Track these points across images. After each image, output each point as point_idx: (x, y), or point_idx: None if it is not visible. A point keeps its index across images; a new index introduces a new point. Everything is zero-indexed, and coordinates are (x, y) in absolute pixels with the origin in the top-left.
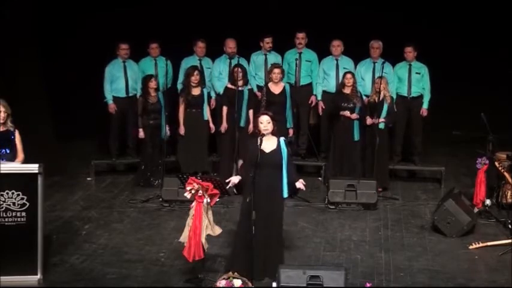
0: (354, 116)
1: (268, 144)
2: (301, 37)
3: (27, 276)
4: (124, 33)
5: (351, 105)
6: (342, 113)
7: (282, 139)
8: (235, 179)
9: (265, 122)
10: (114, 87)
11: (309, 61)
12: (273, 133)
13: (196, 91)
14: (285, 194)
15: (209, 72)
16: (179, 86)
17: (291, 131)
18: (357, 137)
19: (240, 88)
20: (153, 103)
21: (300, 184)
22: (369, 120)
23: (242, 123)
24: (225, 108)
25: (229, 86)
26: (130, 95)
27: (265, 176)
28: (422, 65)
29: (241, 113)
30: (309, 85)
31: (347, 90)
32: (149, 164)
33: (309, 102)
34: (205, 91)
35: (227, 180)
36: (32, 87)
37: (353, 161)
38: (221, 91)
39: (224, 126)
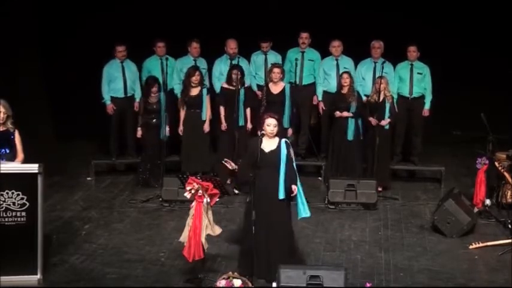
0: (346, 114)
1: (269, 144)
2: (304, 37)
3: (27, 276)
4: (124, 33)
5: (347, 104)
6: (335, 113)
7: (283, 141)
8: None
9: (272, 126)
10: (112, 87)
11: (312, 60)
12: (276, 135)
13: (195, 91)
14: (281, 196)
15: (204, 72)
16: (175, 86)
17: (289, 131)
18: (350, 136)
19: (232, 88)
20: (153, 103)
21: (294, 188)
22: (373, 121)
23: (241, 123)
24: (222, 109)
25: (225, 85)
26: (128, 95)
27: (264, 175)
28: (424, 65)
29: (239, 112)
30: (312, 85)
31: (344, 90)
32: (148, 164)
33: (312, 102)
34: (204, 91)
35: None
36: (32, 87)
37: (350, 160)
38: None
39: (224, 125)
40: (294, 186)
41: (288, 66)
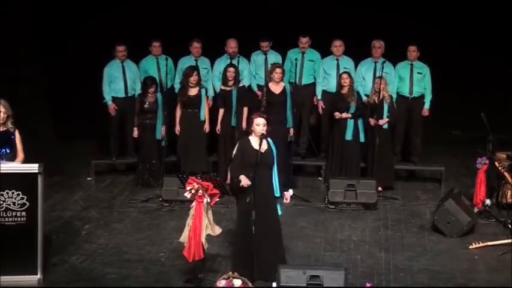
0: (345, 115)
1: (262, 144)
2: (304, 42)
3: (27, 276)
4: (124, 33)
5: (346, 104)
6: (335, 115)
7: (269, 139)
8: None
9: (262, 125)
10: (113, 87)
11: (312, 61)
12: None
13: (193, 91)
14: (277, 193)
15: (205, 72)
16: (176, 86)
17: (291, 131)
18: (348, 136)
19: (228, 88)
20: (150, 103)
21: (287, 195)
22: (372, 121)
23: (233, 123)
24: (220, 110)
25: (222, 87)
26: (129, 95)
27: (262, 175)
28: (424, 65)
29: (231, 112)
30: (312, 85)
31: (344, 90)
32: (146, 164)
33: (312, 102)
34: (203, 91)
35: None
36: (32, 87)
37: (349, 160)
38: None
39: (218, 128)
40: (287, 194)
41: (288, 66)
